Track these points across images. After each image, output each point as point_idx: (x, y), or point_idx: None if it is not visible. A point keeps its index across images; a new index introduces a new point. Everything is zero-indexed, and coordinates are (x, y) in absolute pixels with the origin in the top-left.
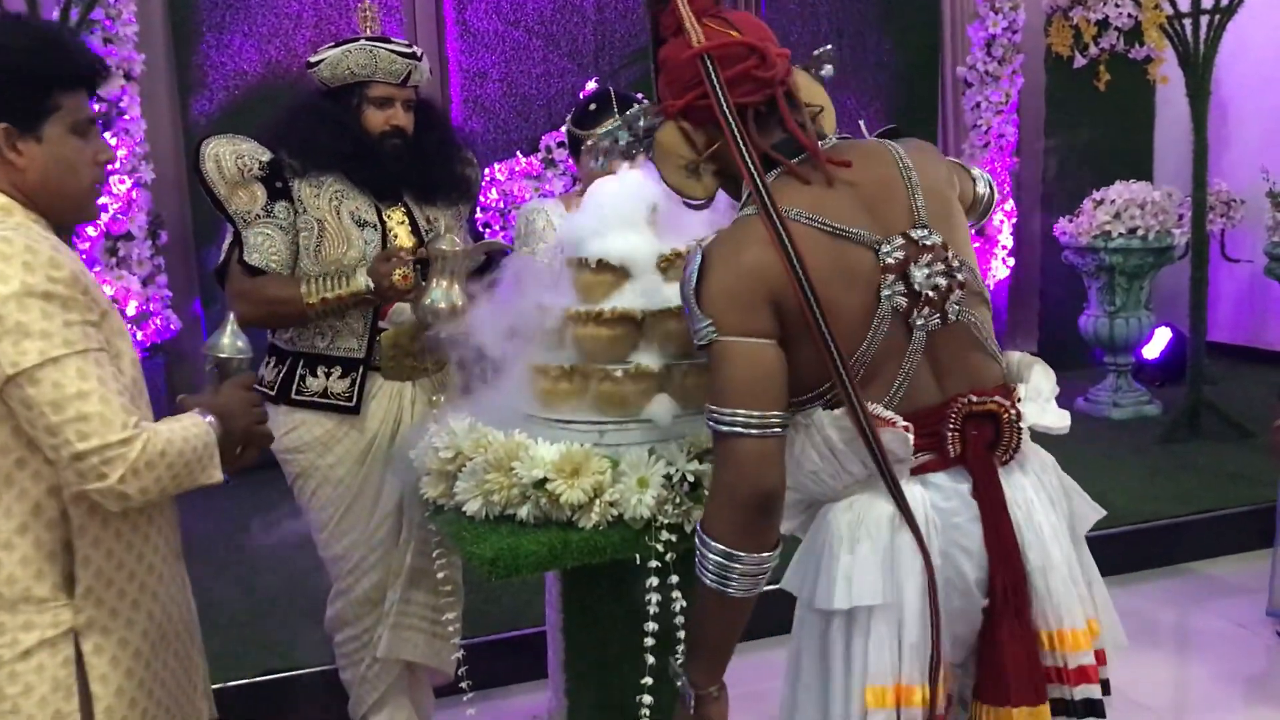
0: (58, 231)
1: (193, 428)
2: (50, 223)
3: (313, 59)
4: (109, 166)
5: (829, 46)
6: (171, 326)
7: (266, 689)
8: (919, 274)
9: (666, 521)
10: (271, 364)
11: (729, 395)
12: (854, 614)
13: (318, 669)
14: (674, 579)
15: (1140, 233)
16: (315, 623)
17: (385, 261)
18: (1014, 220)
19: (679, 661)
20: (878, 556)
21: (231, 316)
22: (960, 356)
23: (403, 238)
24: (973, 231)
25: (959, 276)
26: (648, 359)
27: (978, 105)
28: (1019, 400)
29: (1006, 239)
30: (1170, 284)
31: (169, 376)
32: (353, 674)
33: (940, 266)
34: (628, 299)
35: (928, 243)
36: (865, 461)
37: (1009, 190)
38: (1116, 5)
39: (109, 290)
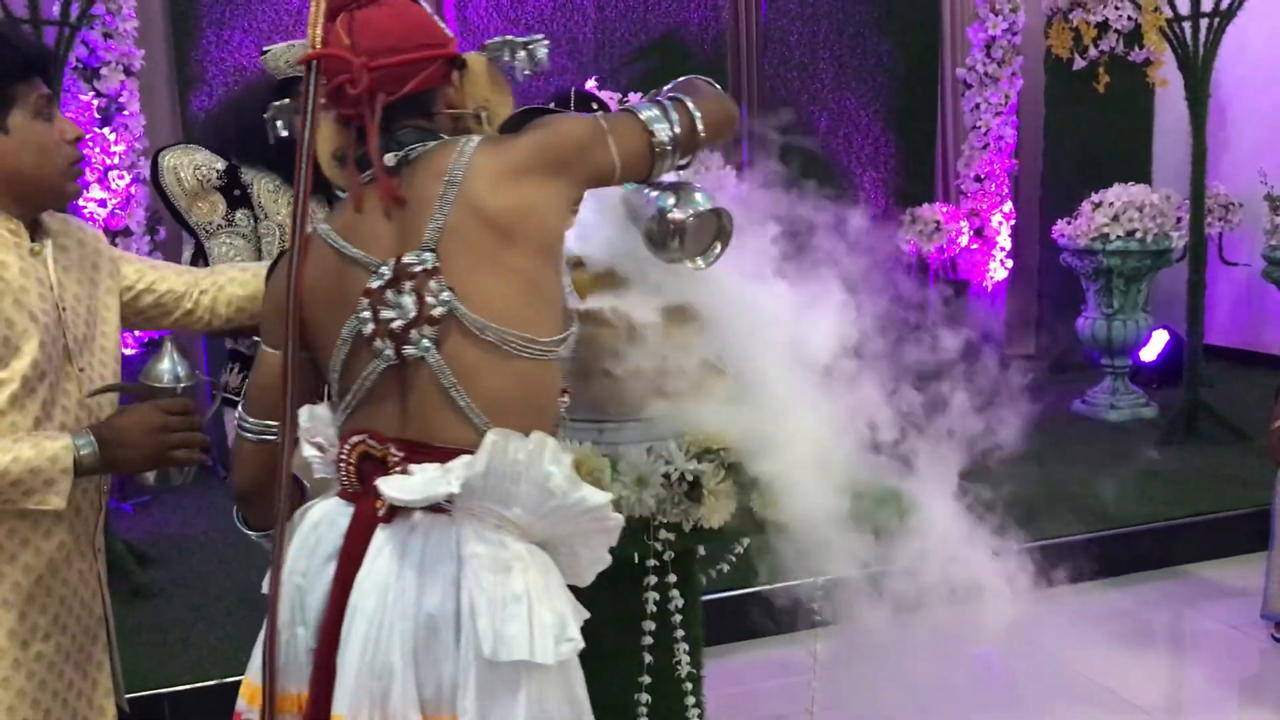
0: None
1: (29, 450)
2: (30, 209)
3: (264, 48)
4: (111, 162)
5: (540, 36)
6: None
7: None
8: (391, 300)
9: (665, 520)
10: (235, 370)
11: (245, 398)
12: None
13: None
14: (672, 578)
15: (1138, 235)
16: None
17: None
18: (1012, 222)
19: None
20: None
21: (170, 344)
22: (422, 398)
23: None
24: (968, 232)
25: (434, 311)
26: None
27: (977, 107)
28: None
29: (1005, 240)
30: (1168, 287)
31: None
32: None
33: (413, 295)
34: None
35: (416, 268)
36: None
37: (1008, 192)
38: (1116, 8)
39: None
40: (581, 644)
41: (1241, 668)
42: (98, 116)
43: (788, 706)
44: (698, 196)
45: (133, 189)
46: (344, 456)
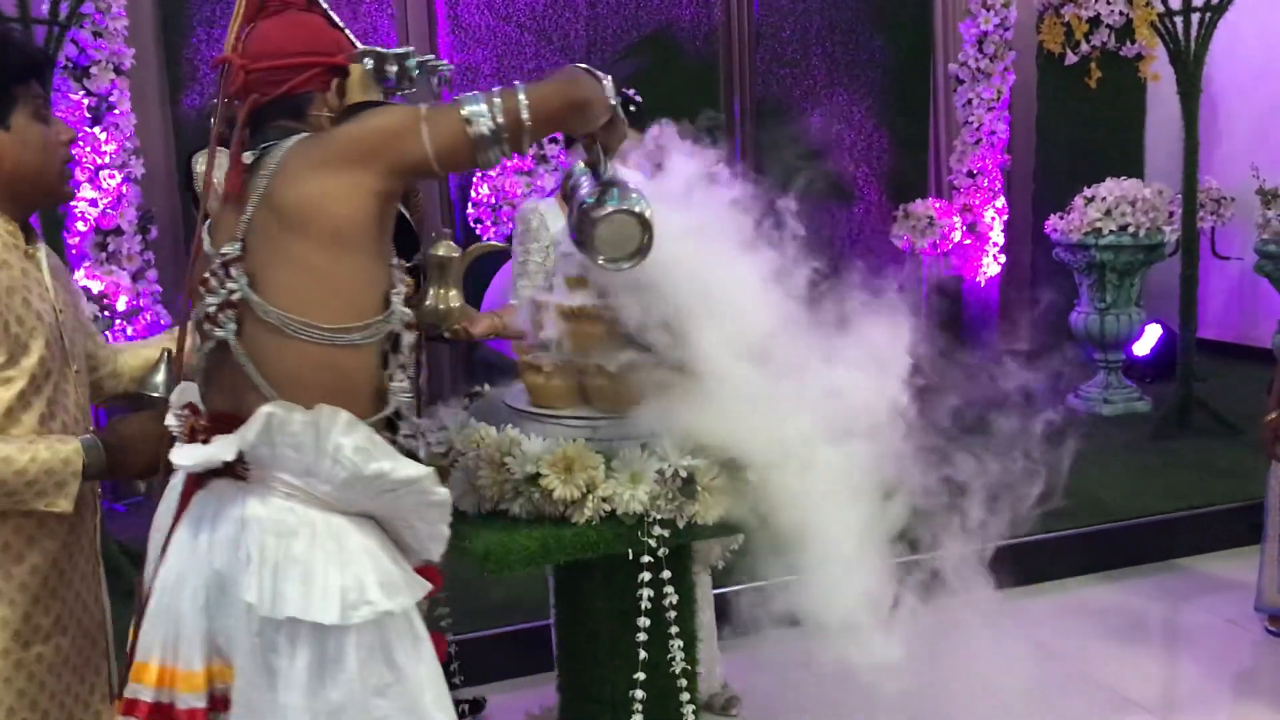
0: (44, 223)
1: (45, 451)
2: (25, 209)
3: None
4: (102, 161)
5: (410, 49)
6: (162, 322)
7: None
8: (214, 287)
9: (659, 517)
10: None
11: None
12: None
13: None
14: (666, 574)
15: (1131, 230)
16: None
17: None
18: (1005, 217)
19: None
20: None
21: (167, 355)
22: (231, 376)
23: None
24: (960, 227)
25: (233, 296)
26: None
27: (969, 102)
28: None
29: (998, 236)
30: (1161, 281)
31: None
32: None
33: (222, 285)
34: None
35: (230, 258)
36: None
37: (1000, 187)
38: (1108, 3)
39: (97, 286)
40: (386, 609)
41: (1235, 661)
42: (88, 115)
43: (780, 703)
44: (613, 195)
45: (124, 188)
46: (179, 430)
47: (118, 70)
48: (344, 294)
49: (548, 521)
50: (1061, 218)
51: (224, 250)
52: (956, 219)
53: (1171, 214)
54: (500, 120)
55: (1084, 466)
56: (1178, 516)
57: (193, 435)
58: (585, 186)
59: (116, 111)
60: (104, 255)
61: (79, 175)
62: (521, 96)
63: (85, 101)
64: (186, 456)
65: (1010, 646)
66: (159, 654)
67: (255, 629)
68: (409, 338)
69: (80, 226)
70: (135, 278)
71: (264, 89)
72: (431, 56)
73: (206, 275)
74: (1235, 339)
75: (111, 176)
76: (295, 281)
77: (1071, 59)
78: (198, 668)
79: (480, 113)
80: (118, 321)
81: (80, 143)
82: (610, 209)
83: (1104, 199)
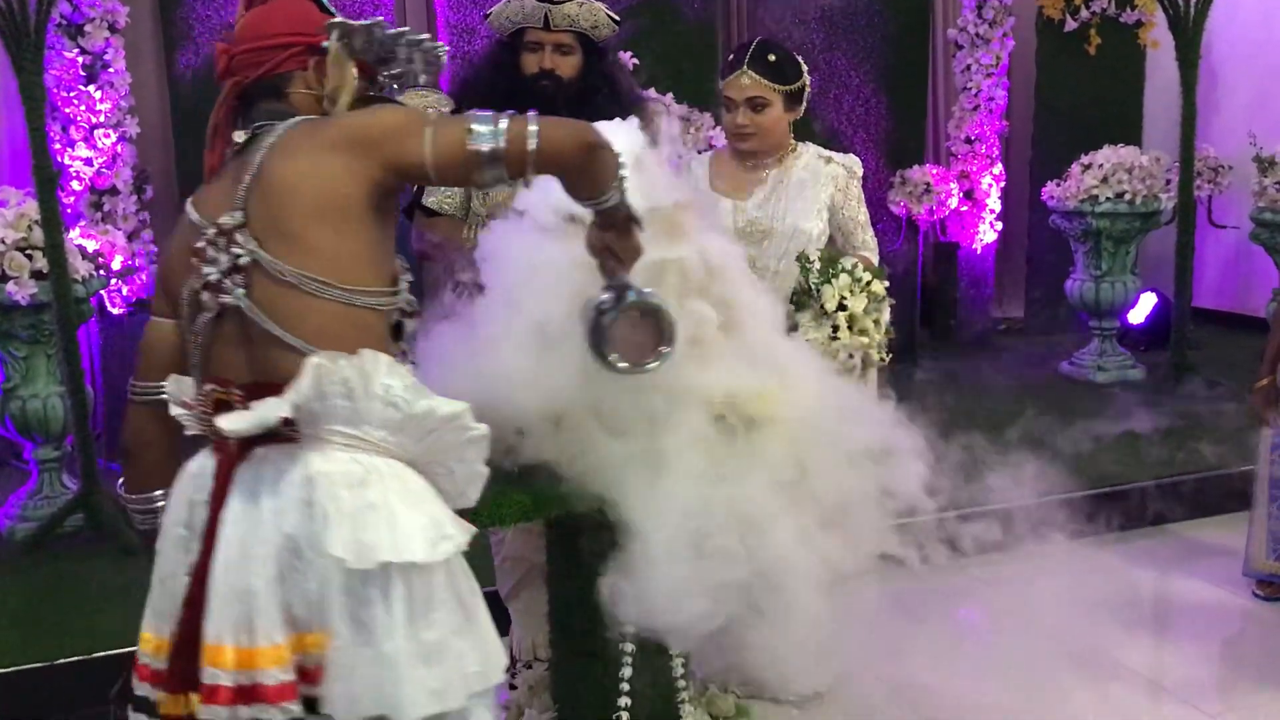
0: (39, 182)
1: None
2: None
3: (485, 13)
4: (97, 120)
5: (380, 19)
6: None
7: None
8: (210, 256)
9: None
10: None
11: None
12: None
13: None
14: None
15: (1127, 197)
16: None
17: None
18: (1002, 184)
19: None
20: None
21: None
22: (254, 343)
23: None
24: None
25: (240, 260)
26: None
27: (968, 68)
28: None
29: (994, 203)
30: (1156, 249)
31: None
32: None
33: (227, 251)
34: None
35: (228, 226)
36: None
37: (998, 154)
38: None
39: (93, 245)
40: (463, 543)
41: (1224, 625)
42: (83, 74)
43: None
44: (628, 296)
45: (119, 148)
46: (199, 408)
47: (112, 28)
48: (344, 262)
49: (539, 477)
50: (1058, 185)
51: (222, 220)
52: (954, 185)
53: (1168, 182)
54: (502, 144)
55: (1076, 433)
56: (1169, 482)
57: (219, 409)
58: (595, 299)
59: (111, 70)
60: (99, 215)
61: (74, 134)
62: (532, 126)
63: (80, 60)
64: (238, 421)
65: (999, 611)
66: (232, 636)
67: (344, 585)
68: (411, 326)
69: (75, 186)
70: (130, 237)
71: (245, 71)
72: (415, 32)
73: (199, 246)
74: (1230, 307)
75: (106, 136)
76: (300, 247)
77: (1071, 25)
78: (280, 640)
79: (485, 132)
80: (113, 281)
81: (75, 101)
82: (623, 306)
83: (1101, 166)
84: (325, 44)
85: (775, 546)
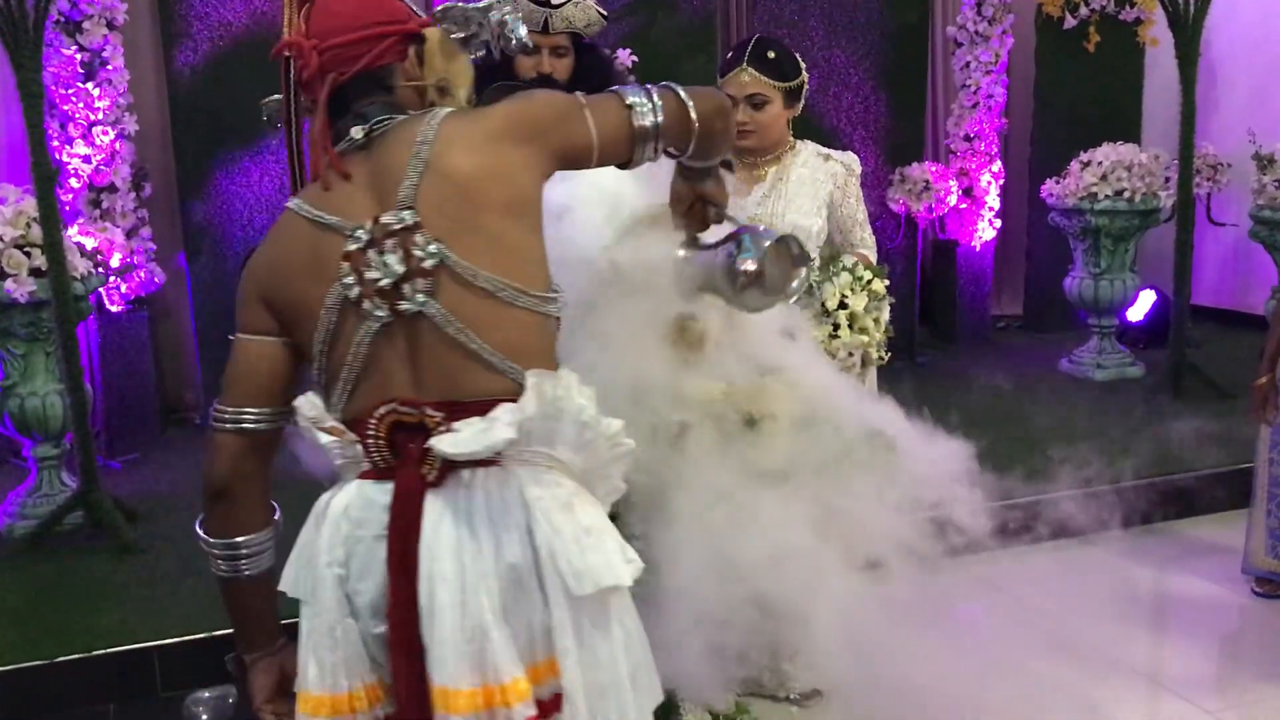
0: (38, 179)
1: None
2: None
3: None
4: (95, 117)
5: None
6: (155, 280)
7: None
8: (374, 260)
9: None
10: None
11: (222, 389)
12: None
13: None
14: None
15: (1126, 195)
16: None
17: None
18: (1001, 181)
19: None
20: (300, 547)
21: None
22: (435, 355)
23: None
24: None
25: (424, 264)
26: None
27: (967, 65)
28: (488, 416)
29: (993, 200)
30: (1155, 246)
31: (153, 330)
32: None
33: (399, 252)
34: None
35: (395, 226)
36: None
37: (997, 151)
38: None
39: (91, 243)
40: (641, 565)
41: (1223, 623)
42: (81, 71)
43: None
44: (748, 239)
45: (117, 145)
46: (372, 431)
47: (110, 25)
48: (533, 263)
49: None
50: (1058, 182)
51: (385, 219)
52: (953, 183)
53: (1167, 179)
54: (660, 117)
55: (1075, 431)
56: (1169, 480)
57: (421, 431)
58: (706, 254)
59: (109, 67)
60: (97, 212)
61: (72, 131)
62: (683, 95)
63: (78, 57)
64: (459, 444)
65: (997, 609)
66: (469, 678)
67: (570, 613)
68: None
69: (74, 183)
70: (129, 235)
71: (341, 66)
72: (512, 7)
73: (352, 250)
74: (1229, 305)
75: (105, 133)
76: (485, 248)
77: (1070, 22)
78: (520, 674)
79: (643, 104)
80: (112, 278)
81: (73, 99)
82: (760, 249)
83: (1100, 164)
84: (423, 32)
85: (793, 564)
